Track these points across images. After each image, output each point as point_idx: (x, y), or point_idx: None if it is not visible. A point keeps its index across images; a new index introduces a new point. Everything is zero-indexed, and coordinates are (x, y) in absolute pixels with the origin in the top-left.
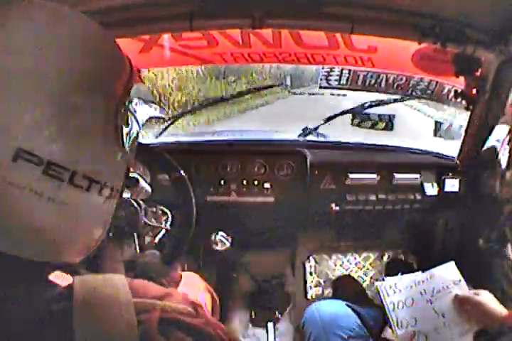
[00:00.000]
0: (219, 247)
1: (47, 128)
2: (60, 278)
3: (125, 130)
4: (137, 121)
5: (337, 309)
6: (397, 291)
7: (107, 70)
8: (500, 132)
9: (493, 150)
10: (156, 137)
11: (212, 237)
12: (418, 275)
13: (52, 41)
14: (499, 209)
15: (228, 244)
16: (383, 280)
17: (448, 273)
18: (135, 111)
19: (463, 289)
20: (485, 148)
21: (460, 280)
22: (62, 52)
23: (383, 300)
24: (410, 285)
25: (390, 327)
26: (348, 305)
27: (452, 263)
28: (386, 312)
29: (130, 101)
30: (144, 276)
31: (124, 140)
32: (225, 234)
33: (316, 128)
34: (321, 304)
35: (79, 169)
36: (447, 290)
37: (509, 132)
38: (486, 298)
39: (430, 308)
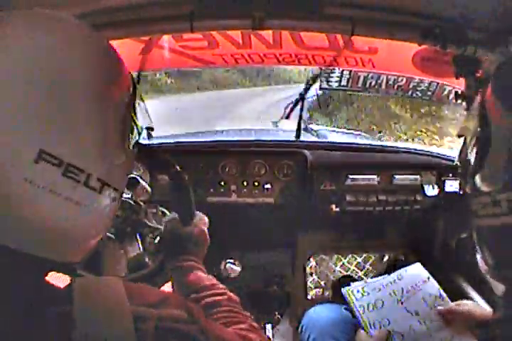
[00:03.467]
0: (231, 275)
1: (66, 132)
2: (57, 279)
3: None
4: (137, 127)
5: (336, 313)
6: (365, 294)
7: (105, 75)
8: None
9: None
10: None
11: (222, 266)
12: (385, 278)
13: (50, 46)
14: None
15: (239, 270)
16: (349, 285)
17: (416, 273)
18: (137, 118)
19: (432, 287)
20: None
21: (429, 278)
22: (57, 56)
23: (351, 304)
24: (378, 288)
25: (363, 328)
26: (346, 309)
27: (418, 264)
28: (356, 316)
29: (134, 109)
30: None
31: (130, 146)
32: (233, 261)
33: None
34: (319, 308)
35: (93, 172)
36: (417, 288)
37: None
38: (472, 305)
39: (402, 308)
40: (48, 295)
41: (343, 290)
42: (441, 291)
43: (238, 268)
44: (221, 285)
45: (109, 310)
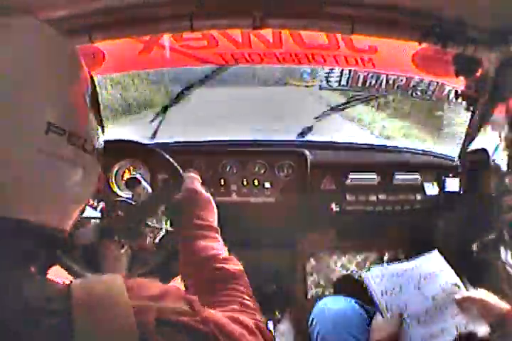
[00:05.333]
0: None
1: (62, 107)
2: (58, 276)
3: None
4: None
5: (346, 306)
6: (384, 279)
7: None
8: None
9: (484, 152)
10: (152, 138)
11: None
12: (404, 264)
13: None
14: (497, 213)
15: None
16: (369, 270)
17: (433, 261)
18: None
19: (449, 275)
20: (473, 148)
21: (446, 267)
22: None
23: (370, 288)
24: (397, 274)
25: (380, 313)
26: (356, 302)
27: (436, 252)
28: (374, 300)
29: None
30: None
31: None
32: None
33: (310, 128)
34: (330, 301)
35: (87, 138)
36: (434, 275)
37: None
38: (485, 294)
39: (419, 293)
40: (45, 293)
41: (363, 274)
42: (458, 279)
43: None
44: (229, 256)
45: (109, 307)
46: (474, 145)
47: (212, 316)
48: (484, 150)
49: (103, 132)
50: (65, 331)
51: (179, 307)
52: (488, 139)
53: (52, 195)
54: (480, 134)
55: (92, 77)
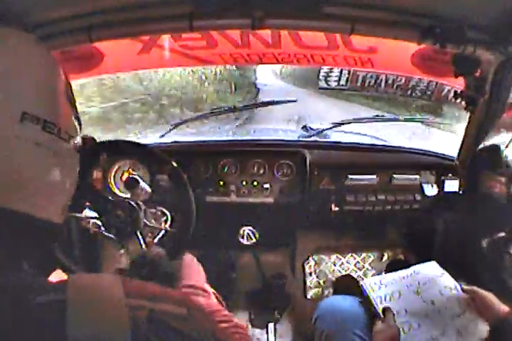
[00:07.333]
0: (245, 241)
1: (36, 98)
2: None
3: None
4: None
5: (352, 305)
6: (382, 286)
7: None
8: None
9: (496, 151)
10: (161, 136)
11: (241, 231)
12: (402, 272)
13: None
14: (506, 210)
15: (254, 239)
16: (367, 279)
17: (431, 269)
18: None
19: (448, 280)
20: (482, 147)
21: (444, 274)
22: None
23: (369, 295)
24: (395, 281)
25: (380, 318)
26: (361, 302)
27: (434, 262)
28: (374, 306)
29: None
30: (156, 273)
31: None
32: (252, 229)
33: (319, 132)
34: (336, 299)
35: (62, 126)
36: (432, 281)
37: None
38: (485, 295)
39: (418, 298)
40: (39, 285)
41: (362, 282)
42: (457, 284)
43: (254, 237)
44: (226, 312)
45: (103, 304)
46: (484, 144)
47: (213, 325)
48: (496, 148)
49: (80, 130)
50: (57, 321)
51: (174, 309)
52: (499, 138)
53: (33, 183)
54: (490, 134)
55: (69, 82)
